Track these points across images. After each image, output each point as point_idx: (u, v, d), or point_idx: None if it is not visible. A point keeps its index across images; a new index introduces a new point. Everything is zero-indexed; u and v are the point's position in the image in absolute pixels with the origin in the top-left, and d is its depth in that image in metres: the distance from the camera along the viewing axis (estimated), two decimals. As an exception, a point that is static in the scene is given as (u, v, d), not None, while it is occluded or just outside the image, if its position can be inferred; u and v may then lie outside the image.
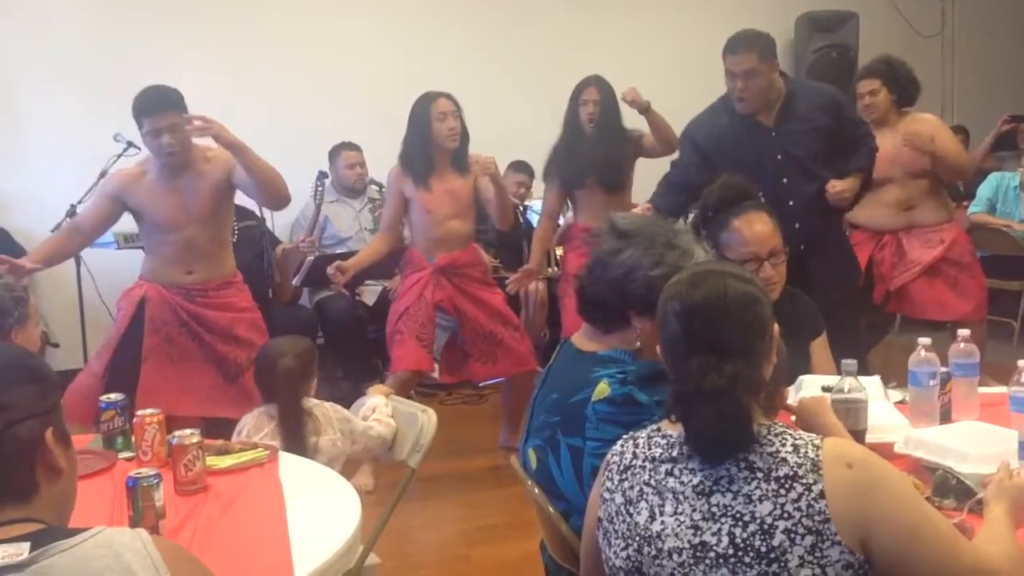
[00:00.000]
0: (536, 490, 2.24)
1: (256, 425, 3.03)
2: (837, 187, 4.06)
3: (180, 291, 4.13)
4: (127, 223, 4.36)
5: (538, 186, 5.97)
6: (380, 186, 6.10)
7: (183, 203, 4.07)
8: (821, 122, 4.06)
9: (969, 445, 2.17)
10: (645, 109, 4.79)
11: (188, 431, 2.41)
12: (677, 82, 6.57)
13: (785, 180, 3.98)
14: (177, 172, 4.05)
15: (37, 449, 1.48)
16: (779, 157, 4.02)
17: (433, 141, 4.62)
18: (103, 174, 5.04)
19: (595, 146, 4.91)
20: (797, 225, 3.80)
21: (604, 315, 2.23)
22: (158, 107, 3.92)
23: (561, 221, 5.41)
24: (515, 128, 6.31)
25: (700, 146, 4.15)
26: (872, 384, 2.58)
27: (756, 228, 2.93)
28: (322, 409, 3.03)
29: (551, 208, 5.16)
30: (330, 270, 4.71)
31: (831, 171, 4.09)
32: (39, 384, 1.52)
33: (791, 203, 3.94)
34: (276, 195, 4.13)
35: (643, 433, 1.80)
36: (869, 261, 5.05)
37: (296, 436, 2.92)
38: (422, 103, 4.67)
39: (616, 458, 1.81)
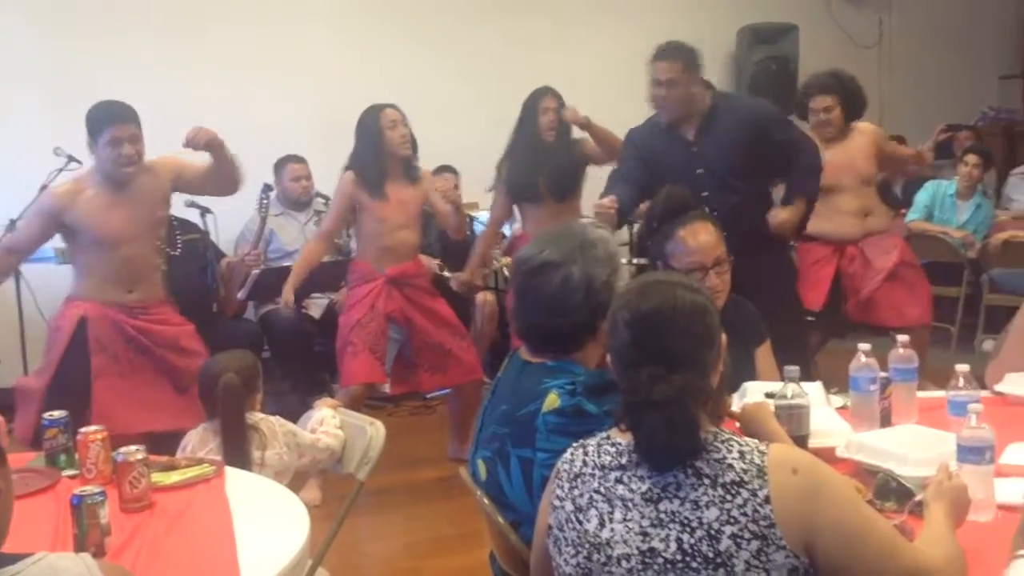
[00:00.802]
0: (485, 500, 2.24)
1: (201, 440, 3.00)
2: (779, 217, 4.13)
3: (122, 309, 4.08)
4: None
5: (485, 198, 5.99)
6: (326, 199, 6.08)
7: (128, 216, 4.04)
8: (743, 137, 4.11)
9: (909, 448, 2.21)
10: (585, 125, 4.85)
11: (133, 448, 2.38)
12: (621, 91, 6.61)
13: (705, 194, 4.02)
14: (121, 185, 4.02)
15: None
16: (699, 171, 4.08)
17: (386, 150, 4.64)
18: (43, 188, 4.97)
19: (553, 155, 4.96)
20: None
21: (572, 341, 2.23)
22: (121, 118, 3.97)
23: (507, 231, 5.44)
24: (459, 139, 6.32)
25: (639, 150, 4.24)
26: (814, 390, 2.62)
27: (700, 238, 2.97)
28: (268, 423, 3.01)
29: (499, 217, 5.19)
30: (281, 305, 4.79)
31: (751, 184, 4.16)
32: None
33: (714, 215, 3.99)
34: (236, 181, 4.28)
35: (593, 441, 1.81)
36: (837, 275, 5.12)
37: (239, 452, 2.89)
38: (370, 114, 4.70)
39: (566, 466, 1.82)
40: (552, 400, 2.13)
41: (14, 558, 1.40)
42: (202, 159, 4.21)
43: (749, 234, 4.10)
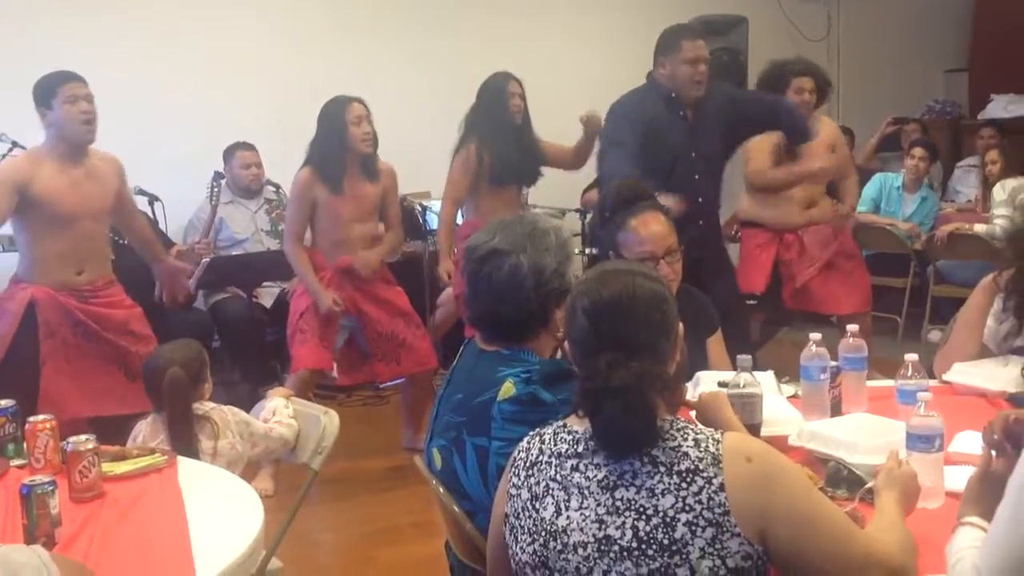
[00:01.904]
0: (441, 490, 2.24)
1: (152, 431, 2.97)
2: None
3: (71, 292, 4.03)
4: (6, 227, 4.23)
5: (436, 187, 5.97)
6: (276, 187, 6.03)
7: (83, 193, 4.01)
8: (726, 120, 4.26)
9: (859, 436, 2.24)
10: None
11: (83, 437, 2.36)
12: (573, 83, 6.65)
13: (697, 177, 4.10)
14: (76, 161, 3.98)
15: None
16: (693, 154, 4.14)
17: (348, 145, 4.59)
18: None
19: (529, 140, 4.96)
20: (701, 222, 3.92)
21: (524, 330, 2.24)
22: (75, 77, 3.96)
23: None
24: (410, 129, 6.30)
25: (635, 125, 4.20)
26: (766, 379, 2.65)
27: (652, 228, 2.98)
28: (220, 413, 2.98)
29: (460, 198, 5.10)
30: (334, 306, 4.63)
31: (721, 175, 4.24)
32: None
33: (700, 200, 4.05)
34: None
35: (549, 429, 1.82)
36: (775, 262, 5.19)
37: (187, 444, 2.87)
38: (335, 106, 4.62)
39: (522, 454, 1.83)
40: (507, 388, 2.14)
41: None
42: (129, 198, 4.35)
43: (717, 226, 4.20)
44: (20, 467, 2.53)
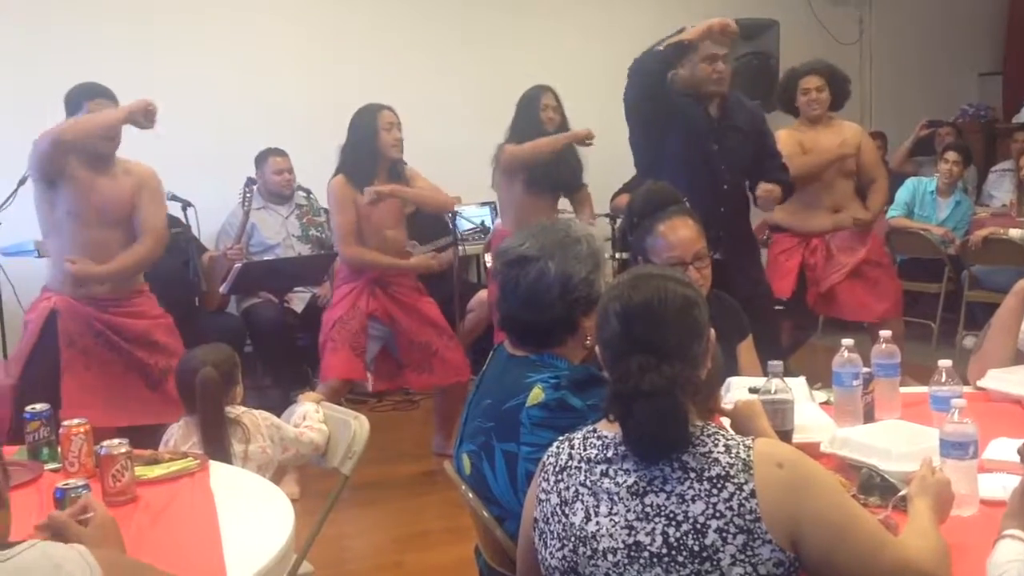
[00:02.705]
0: (470, 495, 2.24)
1: (184, 435, 3.00)
2: (767, 187, 4.17)
3: (92, 302, 4.06)
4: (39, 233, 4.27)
5: (468, 192, 6.00)
6: (308, 192, 6.06)
7: (102, 201, 4.03)
8: (754, 129, 4.23)
9: (892, 443, 2.22)
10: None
11: (116, 441, 2.38)
12: (607, 88, 6.63)
13: (725, 187, 4.10)
14: (100, 169, 4.00)
15: None
16: (715, 147, 4.12)
17: (379, 151, 4.63)
18: (23, 181, 4.94)
19: (571, 151, 5.06)
20: (721, 232, 3.91)
21: (550, 336, 2.24)
22: (100, 92, 4.01)
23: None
24: (443, 135, 6.32)
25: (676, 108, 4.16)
26: (798, 385, 2.63)
27: (680, 233, 2.97)
28: (251, 417, 3.00)
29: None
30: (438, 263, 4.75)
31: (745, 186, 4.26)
32: None
33: (721, 211, 4.03)
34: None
35: (579, 434, 1.82)
36: (800, 266, 5.17)
37: (219, 445, 2.89)
38: (367, 114, 4.67)
39: (552, 459, 1.82)
40: (536, 394, 2.14)
41: (8, 545, 1.41)
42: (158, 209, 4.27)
43: (744, 231, 4.18)
44: (54, 471, 2.55)
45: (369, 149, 4.63)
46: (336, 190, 4.69)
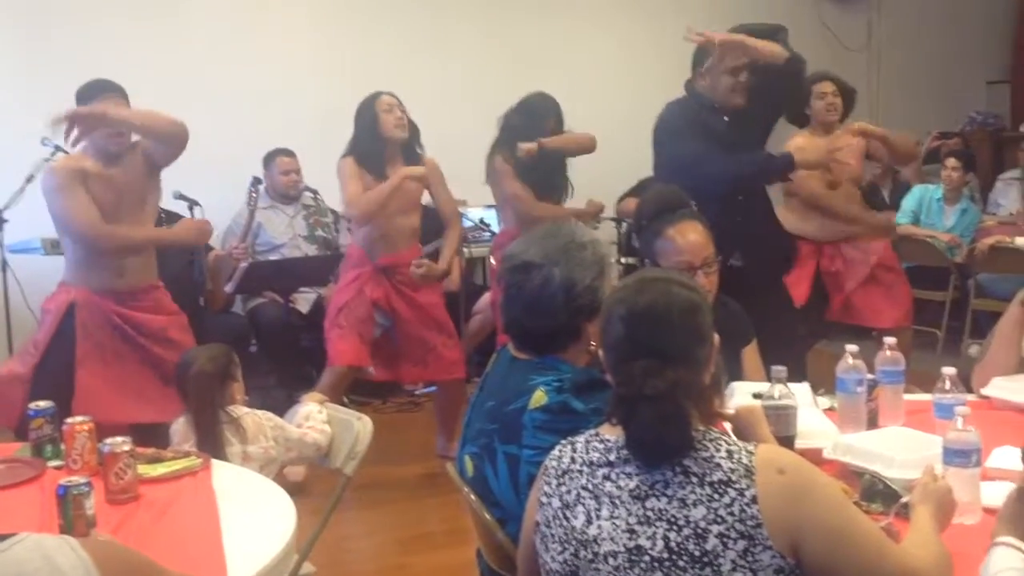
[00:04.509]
0: (472, 497, 2.25)
1: (184, 433, 3.01)
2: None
3: (111, 295, 4.06)
4: (52, 229, 4.26)
5: (475, 193, 5.99)
6: (314, 193, 6.07)
7: (118, 193, 4.02)
8: (766, 120, 4.25)
9: (895, 450, 2.22)
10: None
11: (119, 439, 2.38)
12: (610, 89, 6.64)
13: (740, 197, 4.09)
14: (111, 161, 4.01)
15: None
16: (738, 144, 4.11)
17: (382, 134, 4.66)
18: (30, 179, 4.95)
19: (560, 171, 5.04)
20: (745, 233, 3.93)
21: (553, 342, 2.24)
22: (109, 89, 3.98)
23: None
24: (451, 134, 6.31)
25: (698, 131, 4.13)
26: (801, 391, 2.63)
27: (690, 237, 2.97)
28: (253, 417, 3.01)
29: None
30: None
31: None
32: None
33: (740, 197, 4.04)
34: (168, 135, 4.02)
35: (581, 438, 1.82)
36: (816, 274, 5.15)
37: (212, 441, 2.90)
38: (366, 102, 4.73)
39: (554, 462, 1.82)
40: (539, 397, 2.14)
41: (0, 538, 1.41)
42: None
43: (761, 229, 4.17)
44: (57, 468, 2.55)
45: (372, 134, 4.67)
46: (345, 166, 4.70)
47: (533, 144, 4.74)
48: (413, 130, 4.77)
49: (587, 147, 5.08)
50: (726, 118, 4.16)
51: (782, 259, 4.44)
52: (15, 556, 1.38)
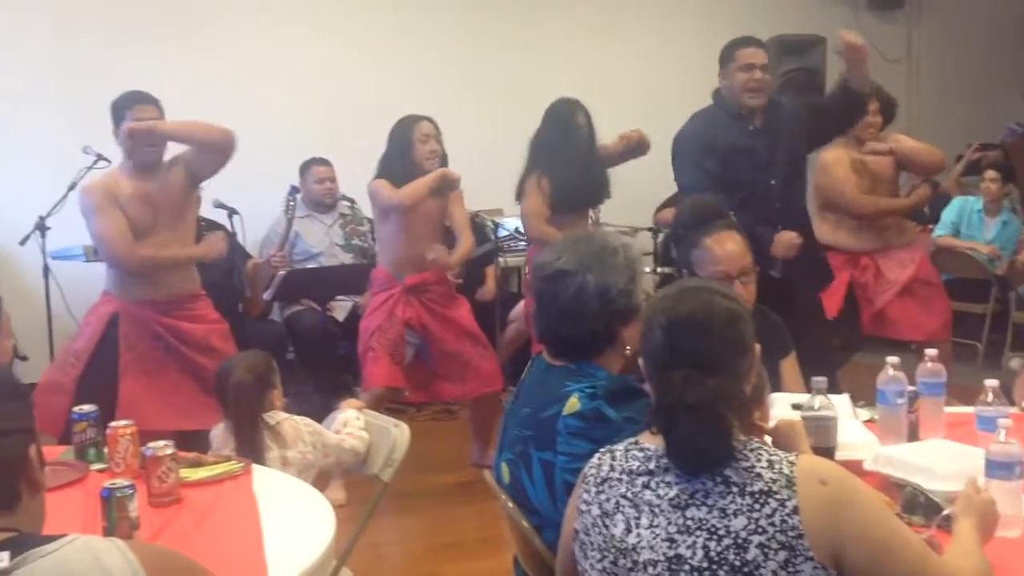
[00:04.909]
0: (509, 504, 2.25)
1: (223, 439, 3.03)
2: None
3: (153, 306, 4.11)
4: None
5: (508, 204, 5.99)
6: (351, 202, 6.11)
7: (154, 206, 4.07)
8: (797, 126, 4.21)
9: (936, 462, 2.20)
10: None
11: (162, 443, 2.41)
12: (652, 106, 6.62)
13: (773, 182, 4.07)
14: (146, 174, 4.06)
15: (22, 463, 1.50)
16: (767, 164, 4.10)
17: (413, 161, 4.66)
18: (72, 186, 5.02)
19: (591, 164, 4.83)
20: (780, 226, 3.91)
21: (589, 348, 2.24)
22: (142, 99, 4.05)
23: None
24: (487, 148, 6.34)
25: (714, 147, 4.13)
26: (841, 402, 2.61)
27: (727, 247, 2.96)
28: (292, 423, 3.03)
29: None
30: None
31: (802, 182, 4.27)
32: (23, 400, 1.53)
33: (776, 205, 4.02)
34: (216, 143, 4.10)
35: (620, 446, 1.82)
36: (850, 285, 5.11)
37: (252, 448, 2.91)
38: (405, 124, 4.71)
39: (593, 470, 1.82)
40: (573, 403, 2.14)
41: (50, 539, 1.44)
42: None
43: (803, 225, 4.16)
44: (100, 471, 2.59)
45: (403, 159, 4.67)
46: (380, 188, 4.66)
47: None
48: (443, 161, 4.74)
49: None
50: (751, 127, 4.13)
51: (822, 271, 4.42)
52: (65, 556, 1.40)
